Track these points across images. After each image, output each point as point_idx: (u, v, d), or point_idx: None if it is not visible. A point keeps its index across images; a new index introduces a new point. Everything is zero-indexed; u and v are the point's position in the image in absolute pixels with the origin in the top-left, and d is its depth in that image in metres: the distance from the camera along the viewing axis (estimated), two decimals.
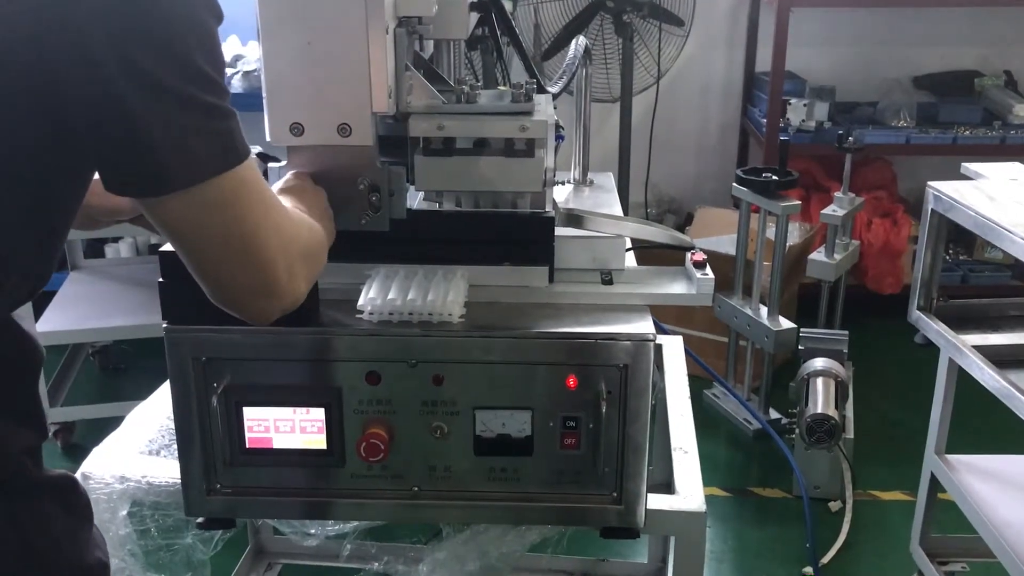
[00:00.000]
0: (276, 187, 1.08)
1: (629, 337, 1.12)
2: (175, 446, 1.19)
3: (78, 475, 1.30)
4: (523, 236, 1.20)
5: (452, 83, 1.28)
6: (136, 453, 1.36)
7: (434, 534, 1.35)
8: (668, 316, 2.92)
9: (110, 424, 1.45)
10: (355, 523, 1.38)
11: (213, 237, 0.81)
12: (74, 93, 0.74)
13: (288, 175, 1.11)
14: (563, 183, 1.64)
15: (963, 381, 1.90)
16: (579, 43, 1.62)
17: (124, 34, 0.73)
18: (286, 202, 0.97)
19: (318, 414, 1.14)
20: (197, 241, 0.82)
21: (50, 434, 2.92)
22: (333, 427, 1.14)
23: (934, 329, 1.89)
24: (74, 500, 0.88)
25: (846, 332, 2.65)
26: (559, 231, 1.22)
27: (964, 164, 2.07)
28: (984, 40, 3.74)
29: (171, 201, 0.78)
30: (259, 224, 0.83)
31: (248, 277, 0.84)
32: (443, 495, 1.18)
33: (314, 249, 0.96)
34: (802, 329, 2.69)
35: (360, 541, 1.58)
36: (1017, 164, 2.03)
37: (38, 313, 2.72)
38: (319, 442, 1.15)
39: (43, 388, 2.65)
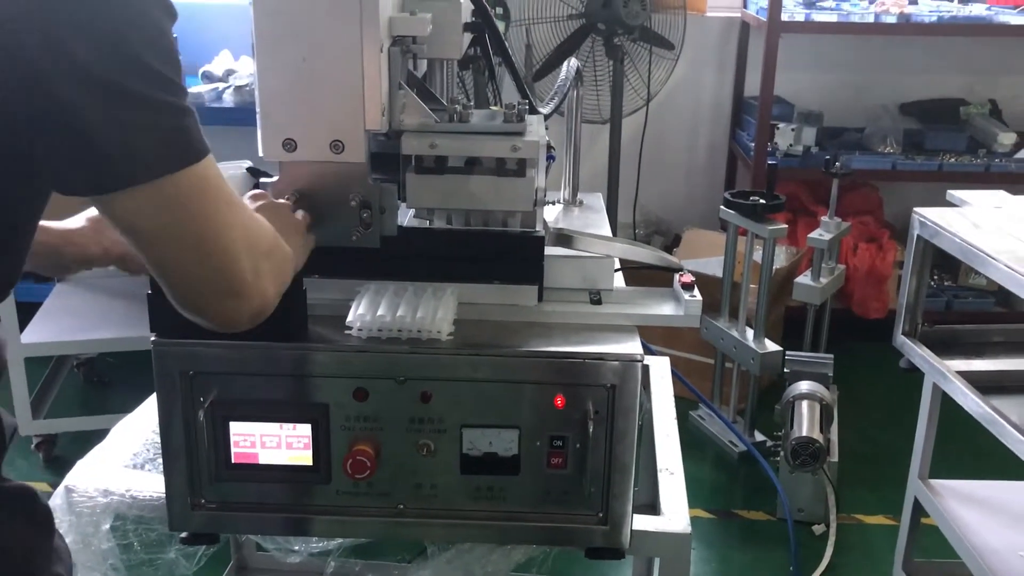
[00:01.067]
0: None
1: (617, 357, 1.13)
2: (159, 460, 1.19)
3: (61, 488, 1.29)
4: (513, 255, 1.21)
5: (445, 102, 1.29)
6: (120, 467, 1.35)
7: (419, 552, 1.34)
8: (655, 337, 2.92)
9: (94, 437, 1.44)
10: (339, 540, 1.37)
11: (172, 236, 0.80)
12: (12, 95, 0.73)
13: (247, 195, 1.08)
14: (553, 203, 1.64)
15: (947, 406, 1.91)
16: (570, 64, 1.63)
17: (64, 31, 0.72)
18: None
19: (304, 430, 1.14)
20: (155, 241, 0.80)
21: (32, 446, 2.90)
22: (320, 443, 1.14)
23: (919, 354, 1.90)
24: (32, 510, 0.86)
25: (831, 356, 2.66)
26: (549, 250, 1.23)
27: (949, 191, 2.09)
28: (970, 69, 3.79)
29: (123, 199, 0.77)
30: (220, 222, 0.81)
31: (212, 277, 0.82)
32: (429, 513, 1.18)
33: (279, 254, 0.93)
34: (788, 352, 2.70)
35: (344, 559, 1.58)
36: (1001, 192, 2.06)
37: (23, 324, 2.70)
38: (305, 458, 1.15)
39: (20, 396, 2.65)
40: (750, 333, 2.80)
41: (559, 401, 1.13)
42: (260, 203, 1.06)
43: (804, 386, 2.52)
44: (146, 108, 0.75)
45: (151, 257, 0.82)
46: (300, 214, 1.11)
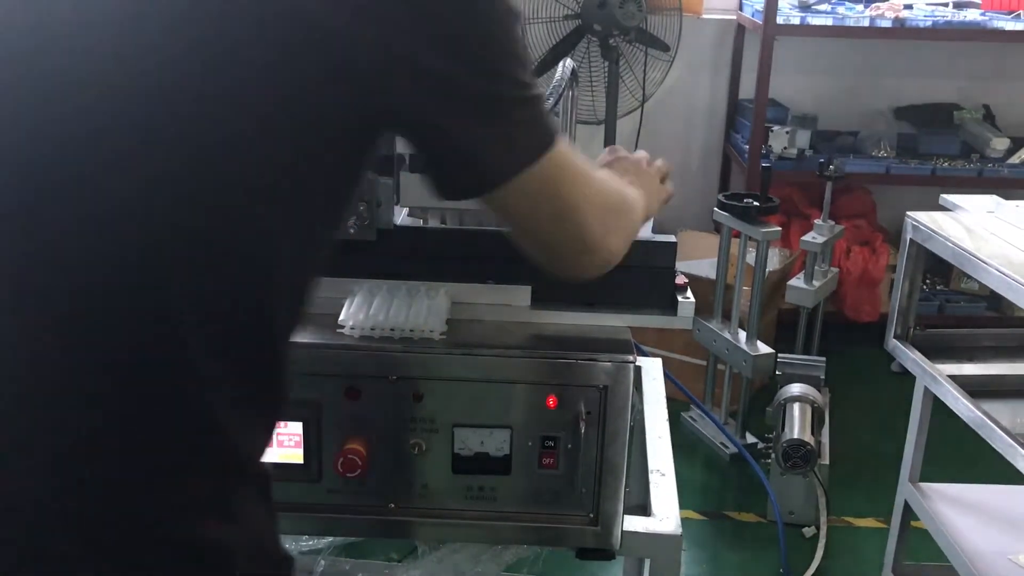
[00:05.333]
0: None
1: (609, 358, 1.13)
2: None
3: None
4: (507, 255, 1.20)
5: None
6: None
7: (409, 552, 1.34)
8: (648, 338, 2.93)
9: None
10: (329, 539, 1.37)
11: (537, 213, 0.86)
12: (379, 117, 0.77)
13: (604, 152, 1.21)
14: None
15: (938, 410, 1.92)
16: (566, 65, 1.63)
17: (432, 55, 0.74)
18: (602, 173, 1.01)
19: (296, 428, 1.14)
20: (524, 219, 0.87)
21: None
22: (311, 442, 1.14)
23: (910, 358, 1.91)
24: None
25: (823, 358, 2.67)
26: None
27: (942, 195, 2.09)
28: (963, 74, 3.80)
29: (498, 192, 0.82)
30: (576, 193, 0.88)
31: (568, 240, 0.90)
32: (419, 512, 1.18)
33: (624, 209, 0.99)
34: (780, 355, 2.71)
35: (334, 557, 1.57)
36: (994, 197, 2.06)
37: None
38: (296, 456, 1.15)
39: None
40: (742, 335, 2.80)
41: (551, 401, 1.13)
42: (614, 157, 1.19)
43: (796, 389, 2.52)
44: (511, 112, 0.80)
45: (518, 229, 0.90)
46: (660, 162, 1.24)
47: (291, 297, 0.82)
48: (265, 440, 0.83)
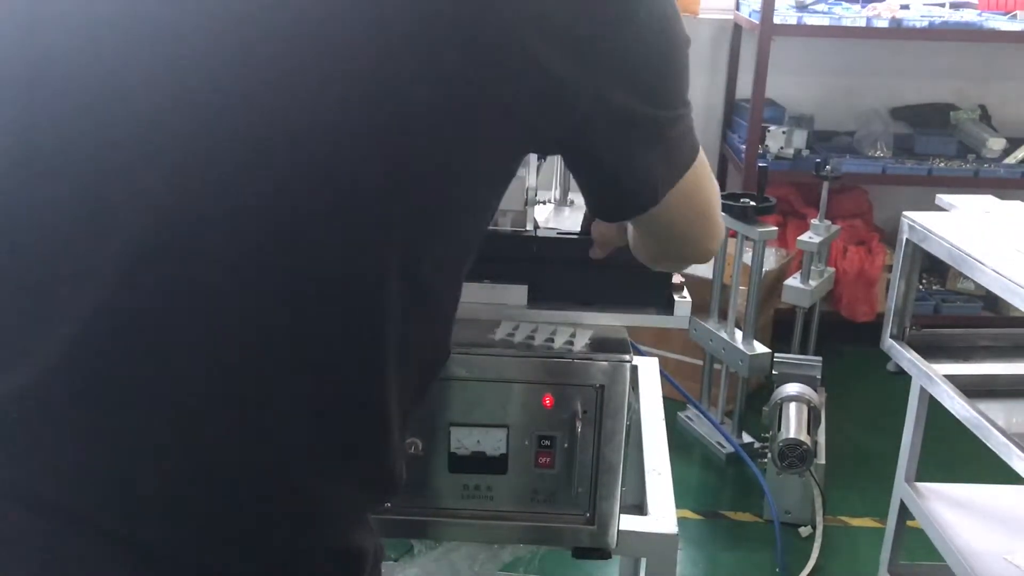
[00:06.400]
0: None
1: (606, 358, 1.13)
2: None
3: None
4: (503, 254, 1.21)
5: None
6: None
7: (406, 551, 1.34)
8: (644, 338, 2.93)
9: None
10: None
11: (688, 214, 0.89)
12: (561, 144, 0.78)
13: None
14: (544, 203, 1.64)
15: (934, 410, 1.92)
16: None
17: (616, 87, 0.75)
18: None
19: None
20: (677, 225, 0.90)
21: None
22: None
23: (906, 358, 1.91)
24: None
25: (820, 358, 2.67)
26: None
27: (939, 195, 2.10)
28: (960, 74, 3.81)
29: (655, 208, 0.84)
30: (709, 188, 0.91)
31: (706, 232, 0.94)
32: (416, 511, 1.18)
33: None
34: (776, 354, 2.71)
35: None
36: (990, 197, 2.06)
37: None
38: None
39: None
40: (739, 335, 2.80)
41: (547, 401, 1.13)
42: None
43: (792, 388, 2.52)
44: (672, 131, 0.81)
45: (668, 239, 0.94)
46: None
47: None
48: None
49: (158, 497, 0.71)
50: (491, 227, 1.22)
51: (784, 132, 3.49)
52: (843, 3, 3.63)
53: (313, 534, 0.76)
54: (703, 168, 0.87)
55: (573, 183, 1.69)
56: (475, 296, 1.20)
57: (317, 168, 0.67)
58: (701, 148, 0.88)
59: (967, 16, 3.58)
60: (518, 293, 1.21)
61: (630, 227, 1.00)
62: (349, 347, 0.72)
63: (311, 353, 0.71)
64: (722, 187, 3.84)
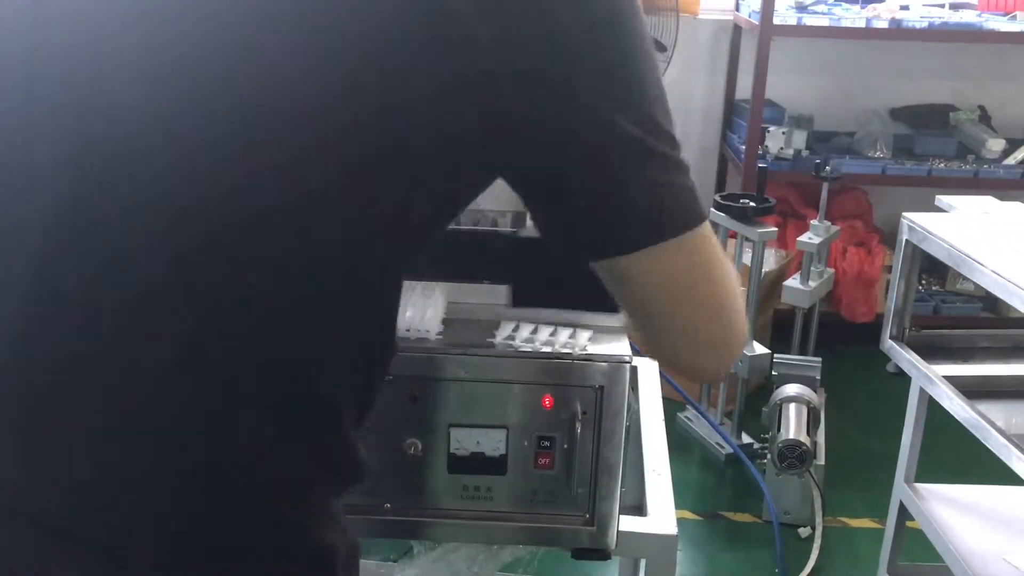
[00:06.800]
0: None
1: (606, 358, 1.13)
2: None
3: None
4: (503, 255, 1.20)
5: None
6: None
7: (405, 552, 1.34)
8: None
9: None
10: None
11: (682, 293, 0.76)
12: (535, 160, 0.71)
13: None
14: None
15: (933, 410, 1.92)
16: None
17: (588, 90, 0.69)
18: None
19: None
20: (654, 299, 0.77)
21: None
22: None
23: (906, 359, 1.91)
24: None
25: (819, 359, 2.67)
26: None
27: (938, 196, 2.10)
28: (960, 75, 3.81)
29: (641, 257, 0.73)
30: (723, 278, 0.78)
31: (716, 331, 0.79)
32: (415, 512, 1.18)
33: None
34: (776, 355, 2.71)
35: None
36: (990, 198, 2.07)
37: None
38: None
39: None
40: None
41: (547, 402, 1.13)
42: None
43: (791, 389, 2.52)
44: (662, 166, 0.73)
45: (653, 317, 0.78)
46: None
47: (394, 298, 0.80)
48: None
49: (107, 496, 0.71)
50: (491, 227, 1.22)
51: (784, 133, 3.49)
52: (843, 4, 3.63)
53: (276, 530, 0.76)
54: (717, 253, 0.77)
55: None
56: (475, 297, 1.20)
57: (259, 158, 0.67)
58: (716, 238, 0.78)
59: (967, 17, 3.58)
60: (501, 294, 1.21)
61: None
62: (287, 328, 0.71)
63: (250, 336, 0.71)
64: (721, 187, 3.85)
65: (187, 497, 0.72)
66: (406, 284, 1.16)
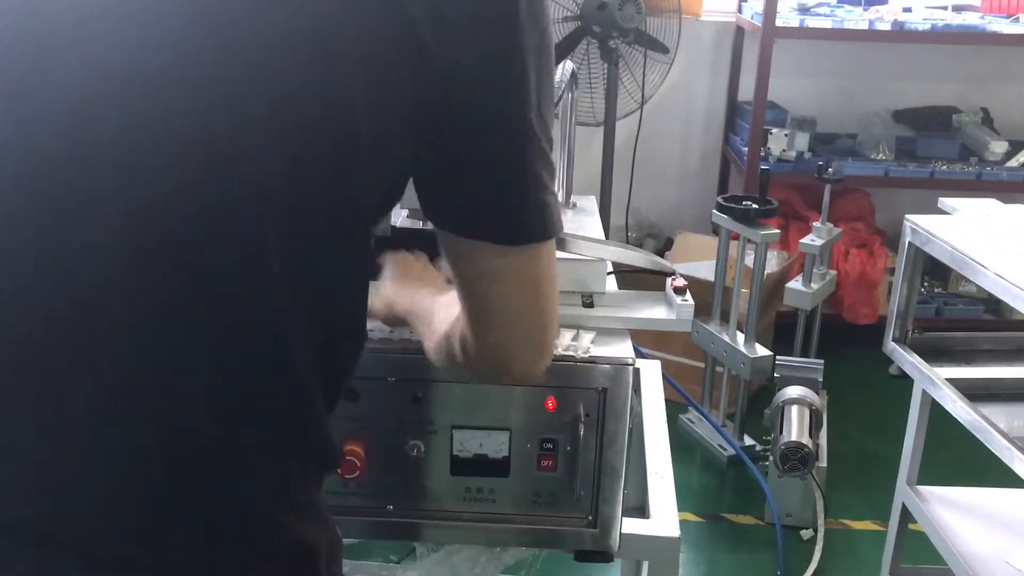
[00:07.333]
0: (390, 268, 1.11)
1: (608, 360, 1.13)
2: None
3: None
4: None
5: None
6: None
7: (407, 553, 1.34)
8: (646, 340, 2.93)
9: None
10: None
11: (524, 292, 0.80)
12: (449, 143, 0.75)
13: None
14: None
15: (936, 413, 1.92)
16: (565, 67, 1.63)
17: (531, 87, 0.74)
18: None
19: None
20: (510, 294, 0.80)
21: None
22: None
23: (908, 361, 1.91)
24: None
25: (821, 361, 2.67)
26: None
27: (941, 198, 2.10)
28: (962, 77, 3.81)
29: (511, 252, 0.78)
30: (554, 286, 0.83)
31: (538, 333, 0.83)
32: (418, 514, 1.18)
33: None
34: (778, 357, 2.71)
35: None
36: (992, 200, 2.06)
37: None
38: None
39: None
40: (741, 337, 2.80)
41: (550, 403, 1.13)
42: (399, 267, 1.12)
43: (794, 391, 2.52)
44: (550, 170, 0.78)
45: (495, 301, 0.81)
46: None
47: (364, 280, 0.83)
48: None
49: (72, 497, 0.72)
50: None
51: (786, 134, 3.49)
52: (845, 6, 3.63)
53: (251, 528, 0.76)
54: (555, 260, 0.82)
55: (574, 184, 1.70)
56: None
57: (203, 139, 0.69)
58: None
59: (969, 19, 3.58)
60: None
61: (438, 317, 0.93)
62: (249, 311, 0.73)
63: (210, 321, 0.72)
64: (724, 189, 3.85)
65: (153, 497, 0.73)
66: None
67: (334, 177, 0.72)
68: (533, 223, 0.77)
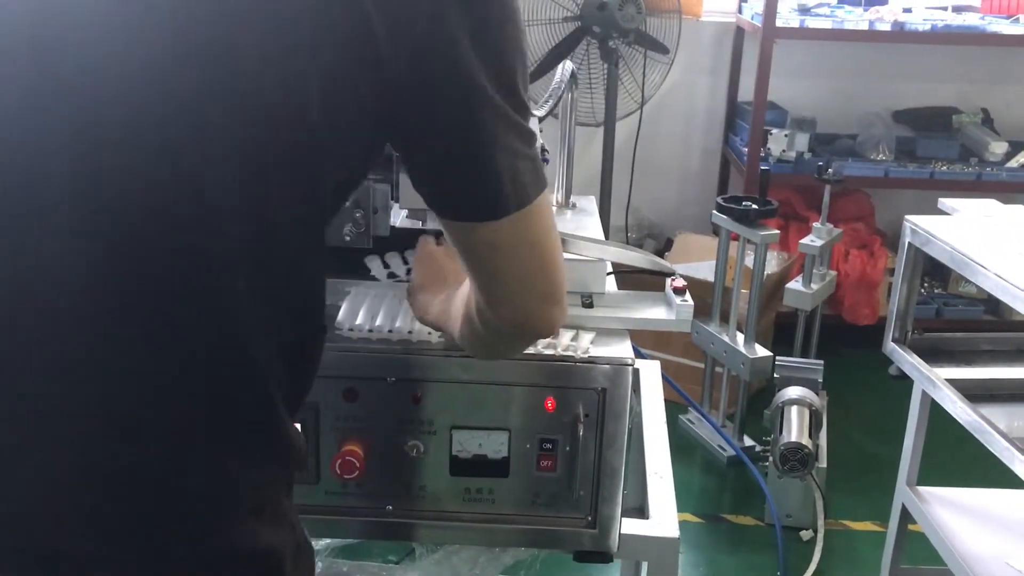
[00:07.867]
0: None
1: (608, 361, 1.13)
2: None
3: None
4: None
5: None
6: None
7: (407, 553, 1.34)
8: (646, 340, 2.93)
9: None
10: (327, 541, 1.37)
11: (523, 255, 0.82)
12: (414, 118, 0.76)
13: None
14: None
15: (935, 414, 1.92)
16: (565, 67, 1.63)
17: (480, 61, 0.74)
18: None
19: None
20: (510, 261, 0.82)
21: None
22: (309, 443, 1.14)
23: (908, 362, 1.91)
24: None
25: (821, 361, 2.67)
26: None
27: (941, 199, 2.10)
28: (962, 77, 3.81)
29: (499, 225, 0.79)
30: (554, 236, 0.85)
31: (545, 285, 0.85)
32: (417, 514, 1.18)
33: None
34: (778, 357, 2.71)
35: (332, 559, 1.57)
36: (992, 200, 2.06)
37: None
38: None
39: None
40: (740, 338, 2.80)
41: (549, 404, 1.13)
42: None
43: (793, 391, 2.52)
44: (525, 136, 0.78)
45: (495, 276, 0.83)
46: None
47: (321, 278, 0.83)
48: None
49: (31, 500, 0.72)
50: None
51: (786, 135, 3.49)
52: (845, 6, 3.63)
53: (213, 533, 0.76)
54: (551, 219, 0.83)
55: (575, 184, 1.70)
56: None
57: (164, 134, 0.70)
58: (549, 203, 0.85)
59: (969, 20, 3.58)
60: None
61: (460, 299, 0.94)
62: (203, 305, 0.73)
63: (171, 314, 0.72)
64: (724, 190, 3.85)
65: (111, 500, 0.73)
66: (408, 286, 1.17)
67: (291, 169, 0.73)
68: (511, 194, 0.78)
